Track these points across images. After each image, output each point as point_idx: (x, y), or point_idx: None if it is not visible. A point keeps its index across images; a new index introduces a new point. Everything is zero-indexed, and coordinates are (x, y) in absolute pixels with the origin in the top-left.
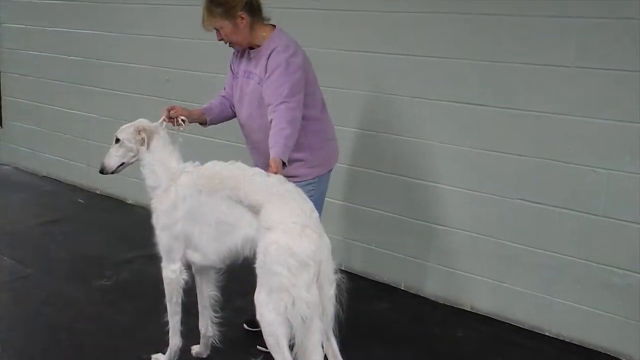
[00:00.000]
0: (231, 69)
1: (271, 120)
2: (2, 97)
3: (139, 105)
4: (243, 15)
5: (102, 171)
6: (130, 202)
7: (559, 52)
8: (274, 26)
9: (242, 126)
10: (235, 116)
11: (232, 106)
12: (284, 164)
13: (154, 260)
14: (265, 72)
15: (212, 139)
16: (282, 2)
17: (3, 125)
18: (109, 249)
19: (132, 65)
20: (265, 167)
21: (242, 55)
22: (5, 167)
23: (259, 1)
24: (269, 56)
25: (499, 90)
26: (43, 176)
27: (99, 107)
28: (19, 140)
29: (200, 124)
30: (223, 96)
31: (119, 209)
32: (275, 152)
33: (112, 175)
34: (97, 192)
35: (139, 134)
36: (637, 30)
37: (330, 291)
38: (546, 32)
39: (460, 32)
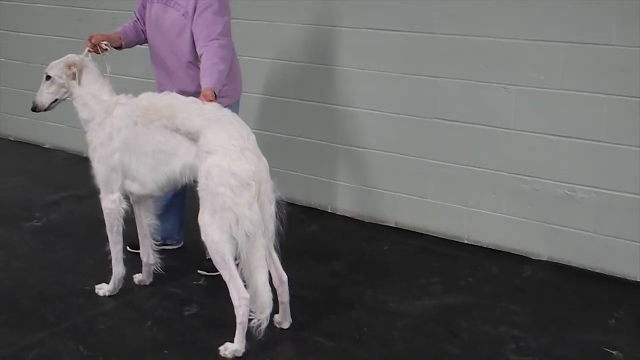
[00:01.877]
0: None
1: (201, 55)
2: None
3: (51, 48)
4: None
5: (35, 109)
6: (47, 146)
7: None
8: None
9: (155, 54)
10: (147, 41)
11: (143, 31)
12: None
13: (82, 199)
14: (195, 7)
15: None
16: None
17: None
18: (33, 192)
19: (39, 5)
20: (181, 94)
21: None
22: None
23: None
24: None
25: (414, 18)
26: None
27: (7, 51)
28: None
29: (116, 47)
30: (135, 21)
31: (37, 154)
32: (209, 82)
33: (32, 120)
34: (11, 138)
35: (69, 69)
36: None
37: (271, 208)
38: None
39: None
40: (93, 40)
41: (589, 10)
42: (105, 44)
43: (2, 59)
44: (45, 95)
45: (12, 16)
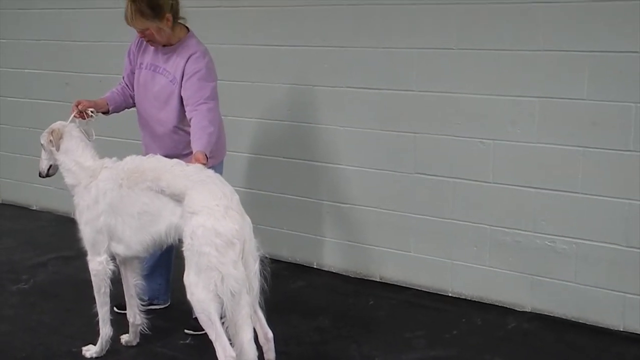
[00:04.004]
0: (129, 57)
1: (191, 119)
2: None
3: (38, 112)
4: (169, 17)
5: (39, 175)
6: (35, 208)
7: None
8: (187, 27)
9: (143, 118)
10: (134, 106)
11: (131, 96)
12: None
13: (69, 261)
14: (183, 74)
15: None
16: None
17: None
18: (20, 254)
19: (28, 70)
20: (167, 156)
21: (146, 47)
22: None
23: (179, 3)
24: (187, 60)
25: (392, 76)
26: None
27: None
28: None
29: (103, 113)
30: (123, 86)
31: (24, 216)
32: (200, 145)
33: (20, 182)
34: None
35: (50, 136)
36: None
37: (255, 266)
38: (428, 18)
39: (351, 18)
40: (80, 107)
41: (562, 67)
42: (92, 111)
43: None
44: (42, 161)
45: (1, 81)
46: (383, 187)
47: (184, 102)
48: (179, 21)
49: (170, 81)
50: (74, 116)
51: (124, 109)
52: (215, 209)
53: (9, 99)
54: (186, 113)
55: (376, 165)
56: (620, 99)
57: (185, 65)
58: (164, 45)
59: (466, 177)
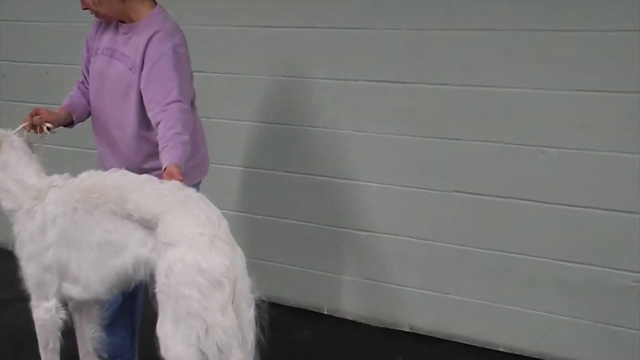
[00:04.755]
0: (87, 44)
1: (158, 123)
2: None
3: None
4: None
5: None
6: None
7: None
8: (154, 2)
9: (98, 119)
10: None
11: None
12: None
13: (5, 305)
14: (143, 59)
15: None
16: None
17: None
18: None
19: None
20: (127, 168)
21: (105, 28)
22: None
23: None
24: (149, 40)
25: (426, 65)
26: None
27: None
28: None
29: (67, 125)
30: (81, 82)
31: None
32: (172, 157)
33: None
34: None
35: None
36: None
37: (249, 314)
38: None
39: None
40: (36, 119)
41: None
42: (49, 126)
43: None
44: None
45: None
46: (412, 209)
47: (146, 101)
48: None
49: (130, 68)
50: (24, 127)
51: (89, 115)
52: (199, 239)
53: None
54: (150, 115)
55: (403, 182)
56: None
57: (145, 47)
58: (122, 22)
59: (520, 196)
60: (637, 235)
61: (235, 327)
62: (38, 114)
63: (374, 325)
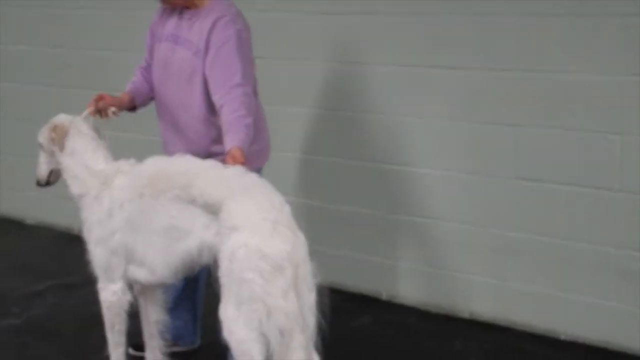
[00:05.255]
0: (151, 31)
1: (222, 106)
2: None
3: (36, 100)
4: None
5: (37, 183)
6: (29, 222)
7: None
8: None
9: (162, 104)
10: None
11: None
12: None
13: (72, 289)
14: (207, 44)
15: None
16: None
17: None
18: (11, 281)
19: (21, 47)
20: (192, 153)
21: (169, 15)
22: None
23: None
24: (213, 25)
25: (487, 50)
26: None
27: None
28: None
29: (130, 110)
30: (144, 68)
31: (16, 232)
32: (236, 140)
33: (11, 191)
34: None
35: (52, 133)
36: None
37: (310, 298)
38: None
39: None
40: (100, 104)
41: None
42: (114, 110)
43: None
44: (40, 165)
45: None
46: (473, 196)
47: (211, 85)
48: None
49: (194, 54)
50: (89, 113)
51: (151, 100)
52: (261, 225)
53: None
54: (214, 99)
55: (463, 168)
56: None
57: (209, 32)
58: (186, 8)
59: (584, 183)
60: None
61: (297, 312)
62: (102, 99)
63: (433, 311)
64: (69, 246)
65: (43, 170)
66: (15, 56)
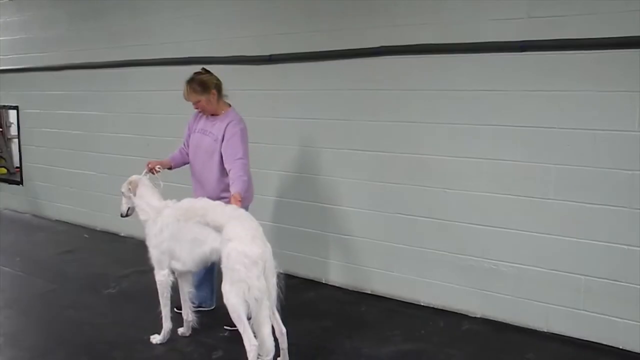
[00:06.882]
0: (188, 126)
1: (230, 170)
2: (23, 163)
3: (128, 165)
4: (214, 92)
5: (121, 215)
6: (122, 235)
7: None
8: (229, 103)
9: (194, 170)
10: (189, 162)
11: (187, 155)
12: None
13: (144, 274)
14: (223, 136)
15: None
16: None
17: (24, 184)
18: (110, 268)
19: (120, 135)
20: (209, 197)
21: (200, 117)
22: (26, 214)
23: (222, 85)
24: (227, 125)
25: (378, 140)
26: (56, 220)
27: (96, 167)
28: (37, 194)
29: (168, 168)
30: (182, 148)
31: (114, 241)
32: (236, 188)
33: (112, 216)
34: (97, 229)
35: (129, 185)
36: None
37: (273, 280)
38: None
39: None
40: (149, 165)
41: None
42: (158, 167)
43: (94, 173)
44: (122, 205)
45: (102, 143)
46: (372, 223)
47: (224, 158)
48: (224, 99)
49: (214, 140)
50: (146, 172)
51: (182, 165)
52: (245, 237)
53: (106, 155)
54: (225, 165)
55: (365, 207)
56: None
57: (225, 129)
58: (212, 115)
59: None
60: (494, 236)
61: (265, 288)
62: (150, 162)
63: (350, 289)
64: (143, 249)
65: (124, 207)
66: (121, 140)
